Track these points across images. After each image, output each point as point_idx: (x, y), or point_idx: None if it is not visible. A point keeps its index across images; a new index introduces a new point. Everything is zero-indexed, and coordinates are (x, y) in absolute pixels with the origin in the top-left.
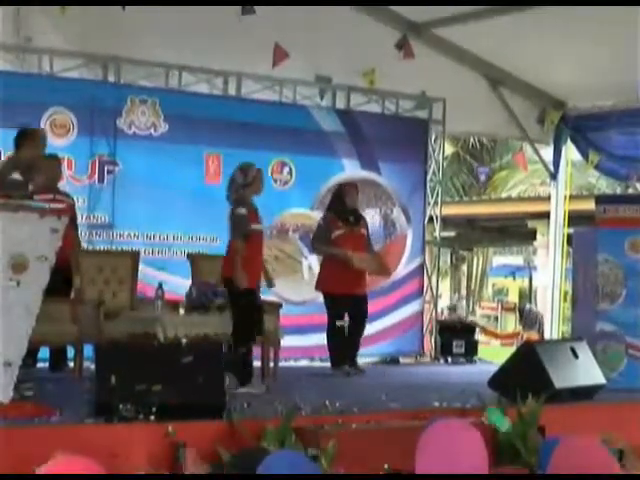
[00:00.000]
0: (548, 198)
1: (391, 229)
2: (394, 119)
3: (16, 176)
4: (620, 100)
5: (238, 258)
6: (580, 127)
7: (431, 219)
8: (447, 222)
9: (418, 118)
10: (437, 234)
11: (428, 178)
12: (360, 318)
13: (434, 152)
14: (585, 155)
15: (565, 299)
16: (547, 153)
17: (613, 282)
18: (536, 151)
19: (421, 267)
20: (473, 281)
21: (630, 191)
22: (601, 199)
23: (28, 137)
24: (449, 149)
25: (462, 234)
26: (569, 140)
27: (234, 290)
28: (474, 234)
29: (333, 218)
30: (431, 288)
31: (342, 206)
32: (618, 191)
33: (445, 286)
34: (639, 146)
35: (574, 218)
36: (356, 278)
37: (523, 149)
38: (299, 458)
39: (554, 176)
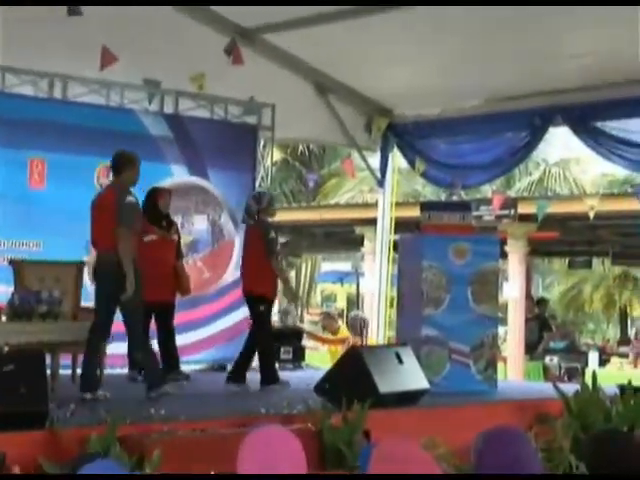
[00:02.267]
0: (375, 205)
1: (219, 235)
2: (223, 125)
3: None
4: (446, 109)
5: (283, 276)
6: (406, 135)
7: None
8: (277, 226)
9: (247, 124)
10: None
11: (257, 184)
12: (166, 326)
13: (263, 158)
14: (412, 163)
15: (391, 305)
16: (375, 160)
17: (437, 288)
18: (363, 158)
19: None
20: (302, 287)
21: (454, 199)
22: (426, 206)
23: (132, 161)
24: (278, 155)
25: (291, 240)
26: (396, 148)
27: (264, 304)
28: (303, 240)
29: (146, 223)
30: None
31: (155, 211)
32: (443, 199)
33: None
34: (463, 155)
35: (401, 225)
36: (164, 285)
37: (351, 156)
38: (115, 469)
39: (381, 183)
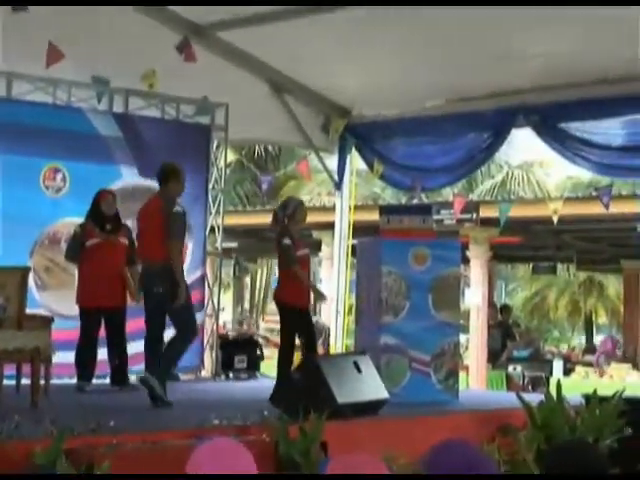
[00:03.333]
0: (333, 208)
1: None
2: (175, 125)
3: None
4: (406, 109)
5: (305, 283)
6: (365, 136)
7: (213, 229)
8: (230, 232)
9: (200, 124)
10: (219, 245)
11: (210, 187)
12: (117, 331)
13: (216, 159)
14: (370, 165)
15: (350, 312)
16: (333, 162)
17: (397, 294)
18: (321, 160)
19: (202, 279)
20: (257, 293)
21: (415, 202)
22: (385, 210)
23: (177, 172)
24: (232, 157)
25: (246, 245)
26: (354, 149)
27: (293, 311)
28: (258, 245)
29: (90, 226)
30: (212, 301)
31: (98, 213)
32: (403, 202)
33: (228, 299)
34: (423, 156)
35: (359, 229)
36: (111, 290)
37: (307, 158)
38: None
39: (338, 186)
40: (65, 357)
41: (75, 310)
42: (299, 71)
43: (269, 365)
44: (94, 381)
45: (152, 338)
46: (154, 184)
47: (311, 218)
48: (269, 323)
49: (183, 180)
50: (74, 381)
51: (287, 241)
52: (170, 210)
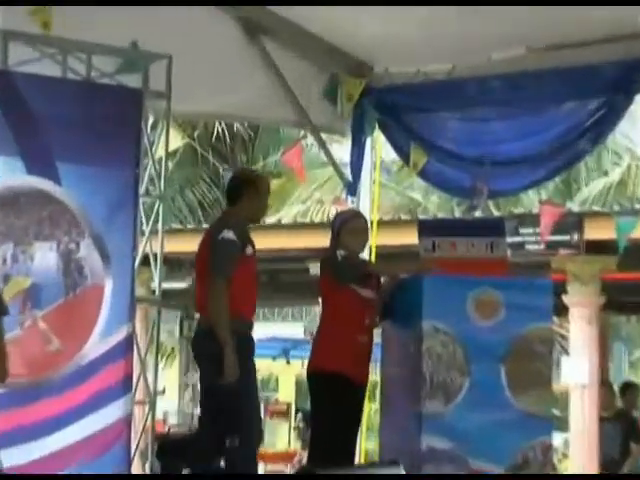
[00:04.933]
0: None
1: (76, 277)
2: (84, 88)
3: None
4: (461, 64)
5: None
6: (395, 107)
7: (146, 260)
8: (175, 265)
9: (125, 88)
10: (156, 286)
11: (141, 190)
12: None
13: (153, 145)
14: (403, 154)
15: (371, 396)
16: (343, 150)
17: (448, 367)
18: (322, 146)
19: (127, 343)
20: None
21: (477, 215)
22: (428, 228)
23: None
24: (178, 141)
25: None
26: (377, 128)
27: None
28: None
29: None
30: (145, 379)
31: None
32: (458, 215)
33: (172, 374)
34: (490, 140)
35: (385, 259)
36: None
37: (300, 143)
38: None
39: (352, 189)
40: None
41: None
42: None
43: None
44: None
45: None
46: (49, 185)
47: (306, 241)
48: None
49: (262, 196)
50: None
51: (348, 275)
52: (216, 237)
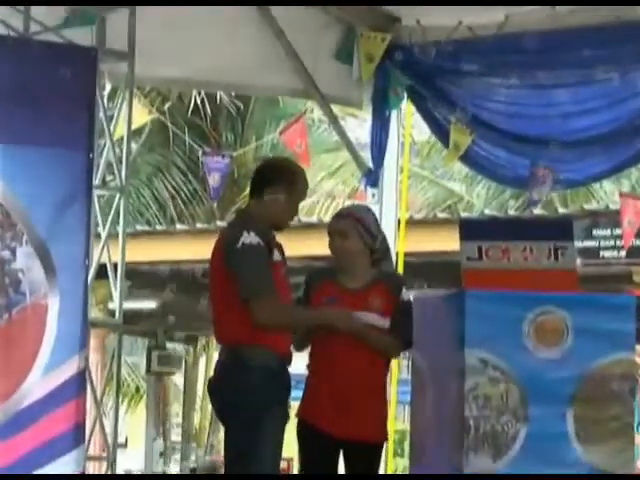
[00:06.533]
0: None
1: (11, 294)
2: (22, 48)
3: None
4: (513, 15)
5: None
6: (429, 69)
7: (103, 271)
8: (141, 278)
9: (76, 46)
10: (116, 304)
11: (96, 180)
12: None
13: (111, 120)
14: (441, 132)
15: (398, 449)
16: (361, 127)
17: (499, 410)
18: (333, 121)
19: (80, 379)
20: (199, 407)
21: (536, 212)
22: (471, 228)
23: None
24: (143, 116)
25: (176, 304)
26: (406, 98)
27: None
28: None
29: None
30: (103, 427)
31: None
32: (511, 213)
33: (137, 420)
34: (552, 114)
35: (417, 269)
36: None
37: (305, 117)
38: None
39: (373, 178)
40: None
41: None
42: None
43: None
44: None
45: None
46: None
47: (315, 247)
48: None
49: (300, 193)
50: None
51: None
52: (234, 244)
